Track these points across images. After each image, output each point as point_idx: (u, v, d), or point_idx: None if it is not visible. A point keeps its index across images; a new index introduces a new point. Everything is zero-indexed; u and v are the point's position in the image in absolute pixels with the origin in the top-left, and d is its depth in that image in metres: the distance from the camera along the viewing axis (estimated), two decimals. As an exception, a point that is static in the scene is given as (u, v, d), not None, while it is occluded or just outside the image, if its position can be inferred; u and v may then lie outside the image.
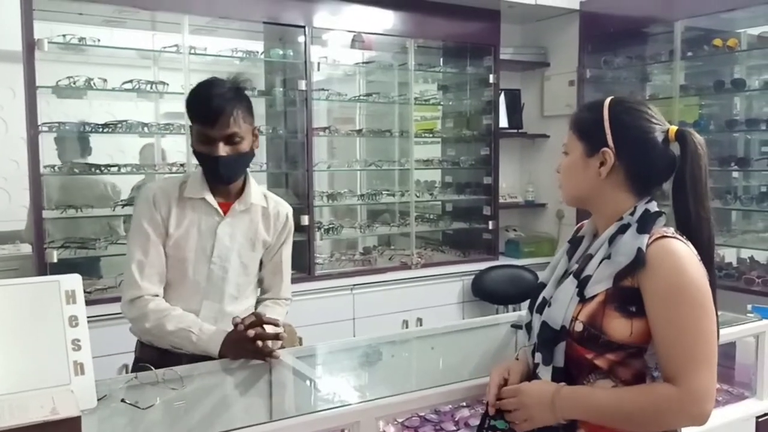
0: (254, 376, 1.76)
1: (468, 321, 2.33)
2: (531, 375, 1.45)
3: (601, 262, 1.34)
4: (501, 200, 4.29)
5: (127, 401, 1.42)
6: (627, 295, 1.29)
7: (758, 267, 3.36)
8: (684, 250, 1.28)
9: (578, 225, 1.60)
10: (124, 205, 3.32)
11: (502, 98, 4.27)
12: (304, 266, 3.57)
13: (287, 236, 2.08)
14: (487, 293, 3.95)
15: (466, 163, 4.26)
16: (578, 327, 1.32)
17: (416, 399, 1.56)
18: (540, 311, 1.43)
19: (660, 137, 1.35)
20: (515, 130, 4.41)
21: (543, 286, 1.49)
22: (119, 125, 3.16)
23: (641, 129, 1.35)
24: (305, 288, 3.48)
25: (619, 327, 1.29)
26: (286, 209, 2.06)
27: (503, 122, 4.31)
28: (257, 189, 1.98)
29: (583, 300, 1.33)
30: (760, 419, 2.24)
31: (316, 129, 3.60)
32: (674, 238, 1.30)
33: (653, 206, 1.38)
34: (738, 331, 2.11)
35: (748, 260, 3.52)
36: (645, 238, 1.29)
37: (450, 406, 2.05)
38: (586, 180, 1.39)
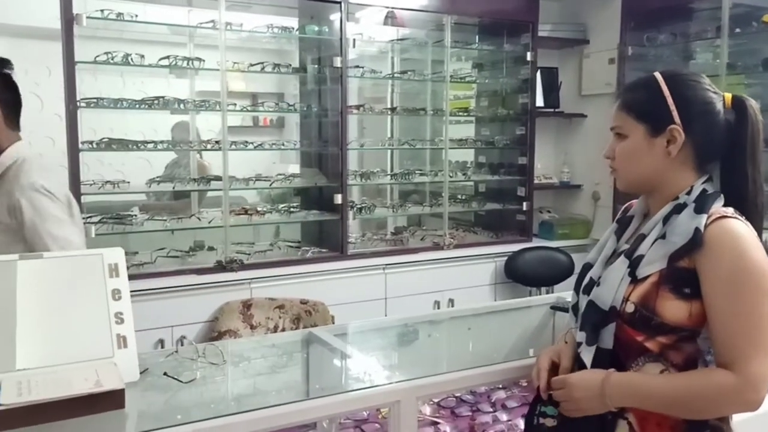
0: (292, 352, 1.75)
1: (504, 302, 2.29)
2: (578, 357, 1.40)
3: (654, 242, 1.30)
4: (535, 181, 4.21)
5: (169, 374, 1.42)
6: (682, 277, 1.25)
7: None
8: (746, 231, 1.24)
9: (626, 205, 1.56)
10: (159, 182, 3.35)
11: (538, 77, 4.18)
12: (336, 245, 3.56)
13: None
14: (520, 275, 3.90)
15: (501, 142, 4.19)
16: (629, 308, 1.28)
17: (456, 380, 1.54)
18: (587, 292, 1.39)
19: (720, 107, 1.32)
20: (552, 110, 4.32)
21: (590, 266, 1.45)
22: (156, 102, 3.17)
23: (705, 101, 1.32)
24: (337, 267, 3.48)
25: (672, 309, 1.25)
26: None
27: (539, 101, 4.22)
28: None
29: (635, 280, 1.29)
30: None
31: (351, 107, 3.57)
32: (734, 218, 1.25)
33: (710, 186, 1.34)
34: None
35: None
36: (703, 218, 1.25)
37: (485, 387, 2.03)
38: (652, 162, 1.35)
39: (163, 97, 3.19)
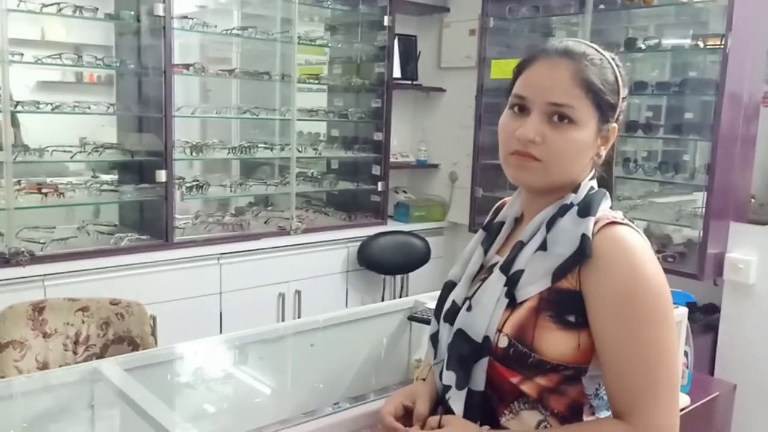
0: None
1: (354, 310, 1.94)
2: (441, 400, 1.10)
3: (535, 253, 1.04)
4: (392, 159, 3.89)
5: None
6: (566, 301, 0.99)
7: (654, 239, 3.21)
8: (638, 241, 1.00)
9: (496, 205, 1.24)
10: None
11: (396, 45, 3.83)
12: (160, 231, 2.99)
13: None
14: (373, 262, 3.58)
15: (355, 115, 3.80)
16: (502, 342, 0.99)
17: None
18: (450, 319, 1.09)
19: None
20: (409, 82, 4.00)
21: (452, 285, 1.14)
22: None
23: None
24: (161, 258, 2.93)
25: (554, 342, 0.99)
26: None
27: (396, 72, 3.88)
28: None
29: (512, 304, 1.02)
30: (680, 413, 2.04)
31: (178, 66, 2.98)
32: (624, 224, 1.02)
33: (596, 182, 1.08)
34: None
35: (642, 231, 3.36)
36: (590, 223, 1.01)
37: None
38: (586, 161, 1.07)
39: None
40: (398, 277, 3.74)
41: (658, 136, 3.21)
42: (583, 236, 0.99)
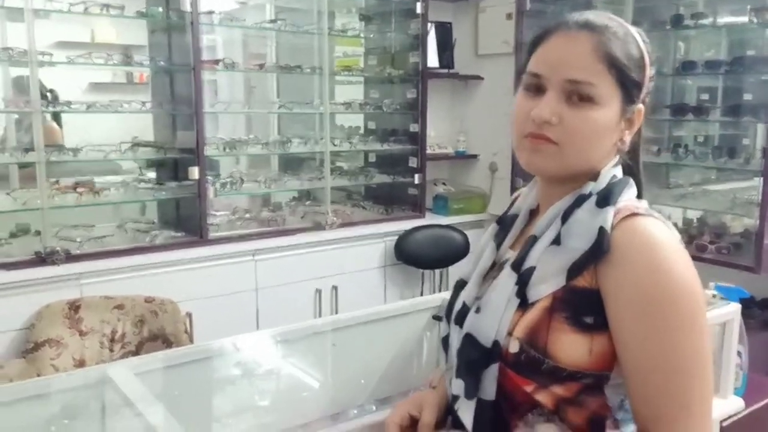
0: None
1: (379, 309, 1.86)
2: (450, 410, 1.01)
3: (548, 248, 0.94)
4: (429, 150, 3.79)
5: None
6: (582, 301, 0.89)
7: (708, 229, 3.02)
8: (665, 234, 0.89)
9: (513, 196, 1.15)
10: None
11: (432, 34, 3.72)
12: (194, 228, 2.99)
13: None
14: (411, 257, 3.49)
15: (391, 107, 3.71)
16: (513, 346, 0.91)
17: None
18: (460, 322, 1.00)
19: None
20: (446, 71, 3.88)
21: (463, 284, 1.05)
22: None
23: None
24: (195, 255, 2.92)
25: (570, 347, 0.88)
26: None
27: (433, 61, 3.78)
28: None
29: (524, 304, 0.92)
30: (724, 423, 1.90)
31: (207, 62, 2.96)
32: (650, 216, 0.91)
33: (620, 170, 0.99)
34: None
35: (695, 221, 3.17)
36: (609, 214, 0.90)
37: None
38: (608, 146, 0.97)
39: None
40: (437, 271, 3.65)
41: (712, 119, 3.02)
42: (601, 229, 0.88)
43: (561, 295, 0.89)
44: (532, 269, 0.93)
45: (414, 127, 3.70)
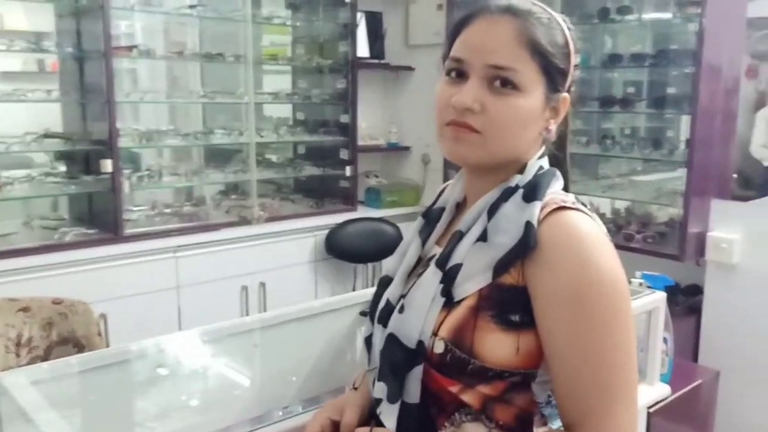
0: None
1: (306, 306, 1.78)
2: (373, 413, 0.96)
3: (474, 244, 0.90)
4: (360, 142, 3.71)
5: None
6: (508, 298, 0.86)
7: (635, 219, 3.06)
8: (591, 228, 0.87)
9: (440, 189, 1.11)
10: None
11: (362, 23, 3.64)
12: (109, 225, 2.81)
13: None
14: (343, 251, 3.41)
15: (320, 97, 3.61)
16: (438, 347, 0.87)
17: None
18: (383, 321, 0.95)
19: None
20: (376, 61, 3.81)
21: (388, 281, 1.00)
22: None
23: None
24: (110, 252, 2.74)
25: (496, 346, 0.86)
26: None
27: (363, 51, 3.69)
28: None
29: (449, 303, 0.88)
30: (651, 409, 1.91)
31: (120, 49, 2.78)
32: (576, 209, 0.88)
33: (546, 161, 0.97)
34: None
35: (623, 211, 3.22)
36: (536, 208, 0.87)
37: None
38: (532, 135, 0.93)
39: None
40: (370, 265, 3.58)
41: (638, 111, 3.06)
42: (527, 224, 0.86)
43: (487, 293, 0.86)
44: (458, 267, 0.89)
45: (345, 119, 3.62)
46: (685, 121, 2.88)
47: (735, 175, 2.58)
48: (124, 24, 3.25)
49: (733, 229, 2.56)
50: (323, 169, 3.66)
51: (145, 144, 2.96)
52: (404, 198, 3.85)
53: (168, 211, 3.14)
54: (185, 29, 3.58)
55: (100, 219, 2.87)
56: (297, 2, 3.74)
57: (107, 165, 2.70)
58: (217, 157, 3.63)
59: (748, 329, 2.53)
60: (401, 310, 0.92)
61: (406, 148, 3.96)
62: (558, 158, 1.00)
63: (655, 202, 2.91)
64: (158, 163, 3.27)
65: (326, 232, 3.42)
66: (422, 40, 3.74)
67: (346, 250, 3.42)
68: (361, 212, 3.65)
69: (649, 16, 3.05)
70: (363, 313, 1.69)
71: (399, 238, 3.51)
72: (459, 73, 0.91)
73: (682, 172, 2.68)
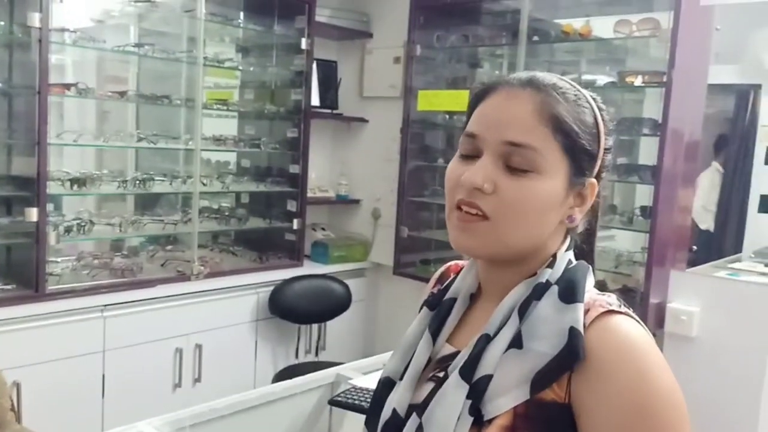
0: None
1: (262, 392, 1.56)
2: None
3: (506, 352, 0.76)
4: (309, 194, 3.54)
5: None
6: (549, 417, 0.73)
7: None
8: (645, 339, 0.75)
9: (441, 270, 0.99)
10: None
11: (315, 71, 3.51)
12: (29, 280, 2.50)
13: None
14: (287, 310, 3.20)
15: (269, 145, 3.43)
16: None
17: None
18: None
19: None
20: (329, 111, 3.68)
21: (390, 385, 0.85)
22: None
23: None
24: (28, 312, 2.44)
25: None
26: None
27: (315, 100, 3.56)
28: None
29: (479, 422, 0.75)
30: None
31: (56, 86, 2.53)
32: (624, 314, 0.76)
33: (572, 255, 0.85)
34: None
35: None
36: (579, 312, 0.75)
37: None
38: (551, 224, 0.81)
39: None
40: (315, 326, 3.37)
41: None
42: (572, 330, 0.73)
43: (524, 411, 0.73)
44: (487, 378, 0.75)
45: (294, 168, 3.45)
46: (639, 188, 2.89)
47: (695, 247, 2.58)
48: (55, 57, 2.99)
49: (691, 301, 2.54)
50: (269, 221, 3.46)
51: (77, 191, 2.68)
52: (352, 253, 3.68)
53: (96, 263, 2.85)
54: (125, 67, 3.34)
55: (18, 273, 2.56)
56: (248, 46, 3.59)
57: (32, 214, 2.42)
58: (151, 203, 3.36)
59: (705, 402, 2.48)
60: (419, 430, 0.77)
61: (356, 201, 3.82)
62: (583, 251, 0.88)
63: (614, 271, 2.87)
64: (86, 209, 2.97)
65: (270, 288, 3.20)
66: (377, 93, 3.65)
67: (290, 310, 3.20)
68: (308, 267, 3.46)
69: (589, 78, 3.11)
70: (333, 402, 1.51)
71: (347, 296, 3.34)
72: (473, 151, 0.80)
73: (640, 240, 2.66)
